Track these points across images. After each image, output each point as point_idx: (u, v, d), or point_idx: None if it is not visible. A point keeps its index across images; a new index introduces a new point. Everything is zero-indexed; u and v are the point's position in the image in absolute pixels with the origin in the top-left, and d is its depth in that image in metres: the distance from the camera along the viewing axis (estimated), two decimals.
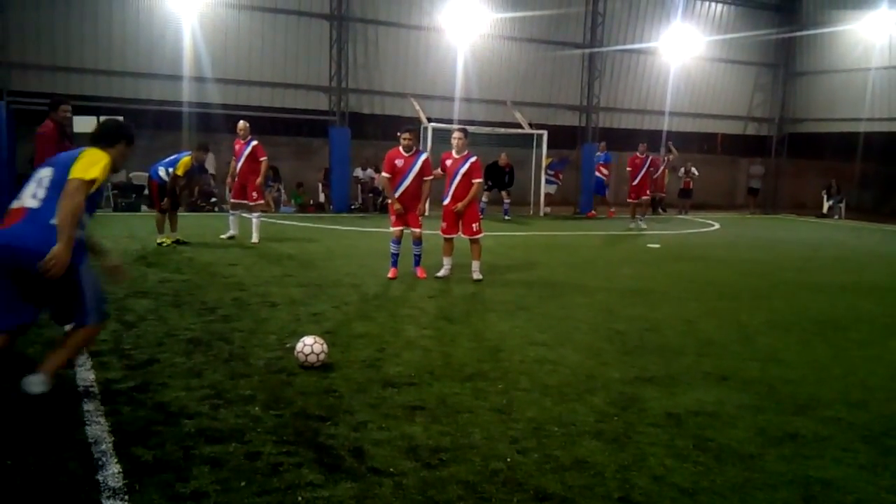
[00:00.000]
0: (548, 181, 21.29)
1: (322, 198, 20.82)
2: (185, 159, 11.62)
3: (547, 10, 22.60)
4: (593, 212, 21.48)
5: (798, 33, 26.44)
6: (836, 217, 24.38)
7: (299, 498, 3.46)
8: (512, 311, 7.78)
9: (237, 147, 12.56)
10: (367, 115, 21.23)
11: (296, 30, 20.48)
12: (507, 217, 19.04)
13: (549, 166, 21.15)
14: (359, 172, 20.64)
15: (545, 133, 20.76)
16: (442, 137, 20.33)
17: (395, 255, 9.59)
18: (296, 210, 19.56)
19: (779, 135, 27.76)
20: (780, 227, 20.68)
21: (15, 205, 4.38)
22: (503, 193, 19.16)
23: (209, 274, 9.33)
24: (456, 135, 9.71)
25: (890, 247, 16.51)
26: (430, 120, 19.70)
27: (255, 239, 12.31)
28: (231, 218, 12.81)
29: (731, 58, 26.37)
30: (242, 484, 3.57)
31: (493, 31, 22.03)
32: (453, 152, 9.60)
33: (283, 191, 20.21)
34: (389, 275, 9.44)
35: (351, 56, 20.78)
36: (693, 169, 24.46)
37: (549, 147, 20.85)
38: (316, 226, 15.92)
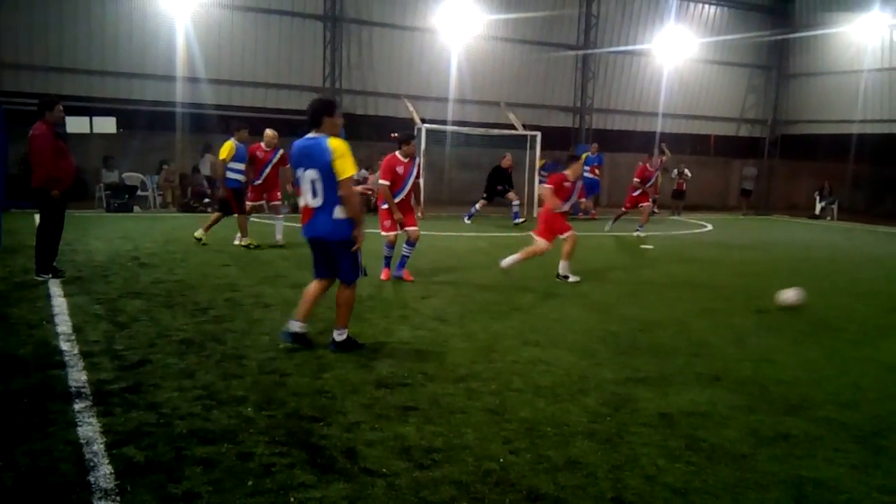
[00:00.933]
0: (590, 180, 21.25)
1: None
2: (227, 143, 11.68)
3: (541, 11, 22.63)
4: (595, 212, 21.44)
5: (791, 35, 26.53)
6: (829, 218, 24.47)
7: (291, 499, 3.45)
8: (506, 312, 7.79)
9: (260, 155, 12.34)
10: (360, 116, 21.23)
11: (289, 30, 20.48)
12: (518, 220, 18.22)
13: (542, 168, 21.18)
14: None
15: (539, 134, 20.78)
16: (436, 139, 20.40)
17: (388, 258, 9.57)
18: (289, 211, 19.51)
19: (771, 136, 27.86)
20: (772, 229, 20.73)
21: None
22: (511, 195, 18.54)
23: (202, 274, 9.30)
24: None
25: (882, 248, 16.57)
26: (423, 121, 19.70)
27: (279, 238, 12.48)
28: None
29: (724, 59, 26.45)
30: (235, 485, 3.56)
31: (486, 32, 22.06)
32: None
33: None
34: (382, 276, 9.42)
35: (345, 57, 20.79)
36: (686, 170, 24.51)
37: (542, 148, 20.86)
38: None
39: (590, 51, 23.70)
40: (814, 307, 8.83)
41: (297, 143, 5.80)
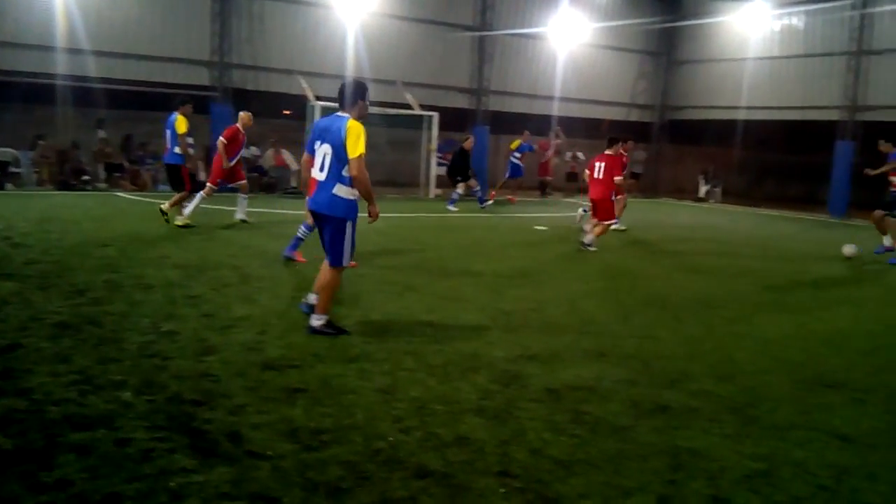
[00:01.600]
0: (513, 165, 21.31)
1: (203, 176, 20.11)
2: (179, 118, 11.56)
3: None
4: (512, 196, 21.47)
5: (679, 23, 27.47)
6: (713, 201, 25.63)
7: (172, 484, 3.34)
8: (400, 292, 7.76)
9: (241, 137, 12.65)
10: (251, 92, 20.58)
11: (175, 1, 19.59)
12: (484, 205, 18.43)
13: (516, 149, 21.28)
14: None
15: (436, 115, 20.78)
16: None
17: (301, 240, 9.25)
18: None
19: (660, 121, 28.82)
20: (660, 211, 21.53)
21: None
22: (473, 181, 18.37)
23: (79, 255, 8.84)
24: None
25: (760, 230, 17.48)
26: (318, 98, 19.34)
27: (242, 216, 12.78)
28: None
29: (617, 45, 27.11)
30: (111, 471, 3.42)
31: (382, 9, 21.79)
32: None
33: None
34: (300, 259, 9.12)
35: (235, 30, 20.07)
36: (579, 154, 25.11)
37: (440, 129, 20.88)
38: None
39: (486, 32, 23.79)
40: (693, 286, 9.23)
41: (324, 118, 6.11)
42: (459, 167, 18.33)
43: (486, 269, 9.45)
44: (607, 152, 11.92)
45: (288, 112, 21.66)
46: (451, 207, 17.66)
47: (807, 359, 6.09)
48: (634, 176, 28.01)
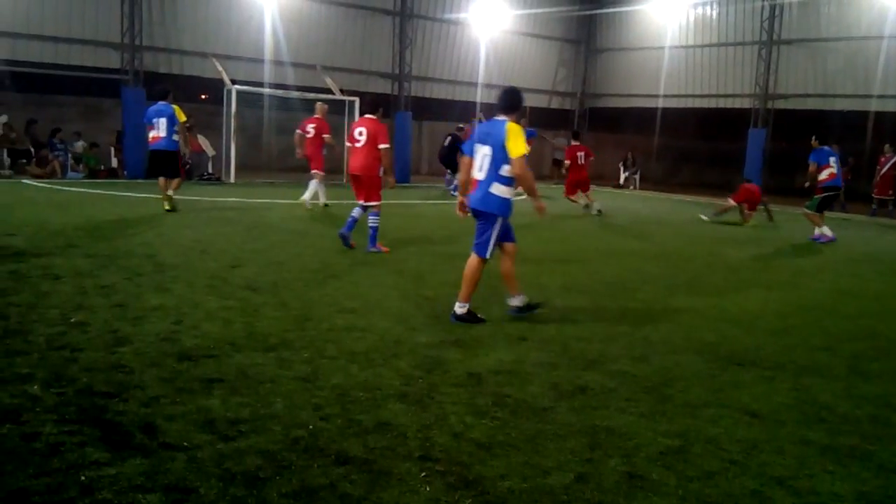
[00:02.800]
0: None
1: (115, 163, 19.45)
2: (177, 107, 12.40)
3: None
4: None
5: (598, 11, 27.94)
6: (632, 188, 26.23)
7: (82, 477, 3.22)
8: (321, 280, 7.67)
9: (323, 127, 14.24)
10: (164, 75, 19.98)
11: None
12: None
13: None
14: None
15: (357, 100, 20.59)
16: (250, 102, 19.64)
17: (355, 219, 9.55)
18: (85, 175, 18.13)
19: (580, 109, 29.31)
20: (580, 197, 21.86)
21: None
22: None
23: None
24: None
25: (676, 215, 17.97)
26: (234, 82, 18.90)
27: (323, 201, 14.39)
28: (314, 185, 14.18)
29: (537, 32, 27.42)
30: (17, 467, 3.28)
31: None
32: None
33: (69, 155, 18.64)
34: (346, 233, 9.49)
35: (145, 11, 19.38)
36: None
37: (360, 115, 20.67)
38: (108, 192, 14.87)
39: (407, 16, 23.68)
40: (611, 270, 9.43)
41: (484, 123, 6.52)
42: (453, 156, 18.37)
43: (409, 255, 9.43)
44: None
45: (205, 96, 21.09)
46: (454, 193, 18.08)
47: (719, 339, 6.28)
48: (556, 162, 28.48)
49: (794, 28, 22.87)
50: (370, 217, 9.53)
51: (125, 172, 18.65)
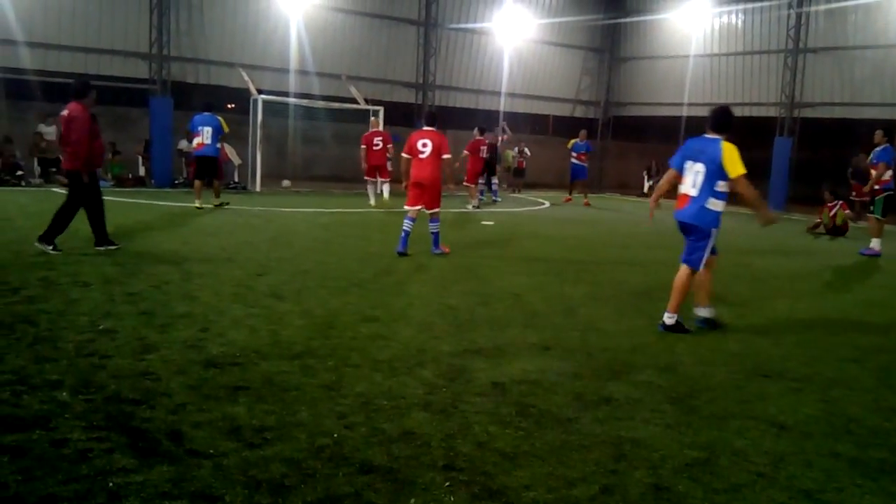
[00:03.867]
0: (574, 166, 21.13)
1: (142, 171, 19.69)
2: (221, 118, 14.56)
3: None
4: (569, 197, 21.80)
5: (622, 20, 27.88)
6: None
7: (110, 484, 3.25)
8: (345, 288, 7.70)
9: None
10: (191, 85, 20.23)
11: None
12: (497, 199, 20.33)
13: (572, 148, 21.07)
14: (183, 144, 19.70)
15: (381, 109, 20.71)
16: (276, 111, 19.80)
17: (408, 233, 10.03)
18: (113, 184, 18.37)
19: (604, 117, 29.22)
20: (604, 206, 21.81)
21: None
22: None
23: (13, 252, 8.57)
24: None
25: None
26: (260, 92, 19.07)
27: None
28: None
29: (561, 41, 27.39)
30: (46, 472, 3.32)
31: (326, 2, 21.58)
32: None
33: None
34: (402, 250, 9.93)
35: (173, 22, 19.64)
36: (526, 149, 25.29)
37: (385, 124, 20.80)
38: (135, 201, 15.06)
39: (431, 26, 23.78)
40: (638, 279, 9.37)
41: (694, 140, 6.78)
42: (487, 162, 19.12)
43: (432, 264, 9.45)
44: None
45: (231, 106, 21.32)
46: (496, 199, 19.99)
47: (745, 349, 6.23)
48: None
49: (821, 36, 22.65)
50: (431, 223, 10.25)
51: (153, 181, 18.87)
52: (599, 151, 29.00)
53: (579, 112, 29.06)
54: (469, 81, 25.29)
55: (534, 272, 9.43)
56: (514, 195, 23.30)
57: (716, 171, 6.38)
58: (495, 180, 20.32)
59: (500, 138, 23.20)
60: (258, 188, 19.08)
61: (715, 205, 6.51)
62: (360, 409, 4.33)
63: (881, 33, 21.15)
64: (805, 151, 23.63)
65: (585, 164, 21.05)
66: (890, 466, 3.95)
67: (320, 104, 20.48)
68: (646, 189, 26.75)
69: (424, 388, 4.76)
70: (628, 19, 27.74)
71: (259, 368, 4.95)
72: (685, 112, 25.83)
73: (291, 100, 20.09)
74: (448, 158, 10.01)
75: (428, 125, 10.16)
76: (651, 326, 6.86)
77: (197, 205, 13.88)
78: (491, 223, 14.82)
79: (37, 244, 8.66)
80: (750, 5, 24.14)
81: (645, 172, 27.22)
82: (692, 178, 6.54)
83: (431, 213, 10.14)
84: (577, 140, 21.07)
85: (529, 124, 27.79)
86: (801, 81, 23.10)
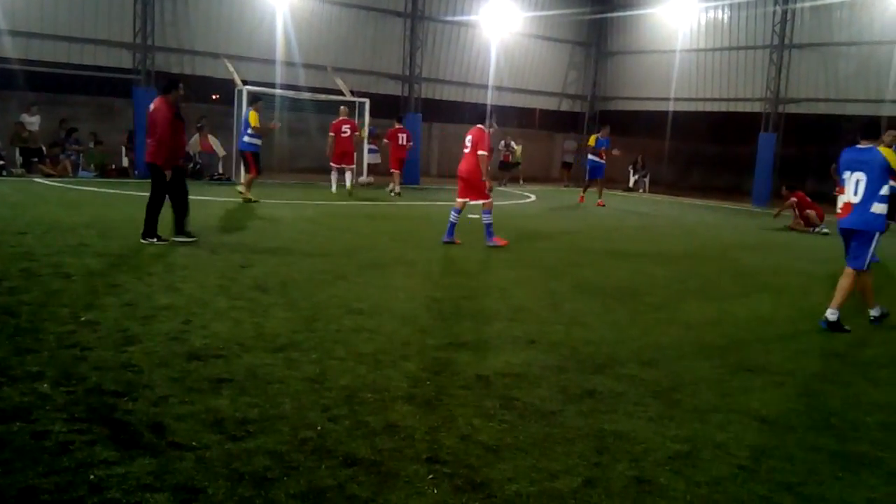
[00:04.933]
0: (591, 164, 19.51)
1: (126, 162, 19.53)
2: (252, 113, 14.58)
3: None
4: (582, 196, 19.93)
5: (608, 14, 27.90)
6: (641, 191, 26.17)
7: (91, 476, 3.23)
8: (330, 281, 7.68)
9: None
10: (176, 75, 20.03)
11: None
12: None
13: (595, 144, 19.40)
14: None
15: (367, 101, 20.63)
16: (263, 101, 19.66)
17: (453, 224, 10.60)
18: (96, 175, 18.21)
19: (591, 111, 29.24)
20: (590, 200, 21.83)
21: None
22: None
23: None
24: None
25: (686, 219, 17.91)
26: (245, 83, 18.96)
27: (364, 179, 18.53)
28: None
29: (548, 35, 27.36)
30: (26, 465, 3.30)
31: None
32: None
33: (82, 155, 18.74)
34: (448, 239, 10.48)
35: (158, 12, 19.45)
36: (512, 143, 25.30)
37: (371, 116, 20.75)
38: (118, 192, 14.97)
39: (417, 18, 23.69)
40: (622, 273, 9.40)
41: (849, 150, 7.08)
42: None
43: (418, 258, 9.43)
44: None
45: (216, 97, 21.18)
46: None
47: (728, 343, 6.26)
48: (566, 165, 28.48)
49: (807, 32, 22.75)
50: (483, 215, 10.62)
51: (136, 172, 18.74)
52: (586, 145, 29.05)
53: (566, 106, 29.07)
54: (456, 74, 25.23)
55: (519, 266, 9.44)
56: (501, 188, 23.29)
57: (880, 177, 6.80)
58: None
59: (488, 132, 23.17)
60: (242, 179, 18.96)
61: (878, 208, 6.85)
62: (343, 401, 4.32)
63: (866, 30, 21.28)
64: (790, 147, 23.76)
65: (604, 162, 19.70)
66: (869, 460, 3.99)
67: (306, 96, 20.37)
68: (631, 183, 26.84)
69: (409, 381, 4.75)
70: (615, 14, 27.76)
71: (242, 361, 4.93)
72: (671, 107, 25.89)
73: (277, 91, 19.97)
74: (483, 155, 10.29)
75: (479, 123, 10.59)
76: (635, 321, 6.89)
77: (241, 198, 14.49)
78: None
79: (142, 241, 9.10)
80: (736, 1, 24.22)
81: (631, 167, 27.30)
82: (853, 187, 6.93)
83: (483, 205, 10.53)
84: (599, 136, 19.56)
85: (516, 118, 27.77)
86: (787, 77, 23.21)
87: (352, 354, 5.22)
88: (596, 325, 6.62)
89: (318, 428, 3.92)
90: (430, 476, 3.47)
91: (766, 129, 23.06)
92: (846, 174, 7.01)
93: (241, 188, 14.88)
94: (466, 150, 10.54)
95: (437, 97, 24.74)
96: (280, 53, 20.82)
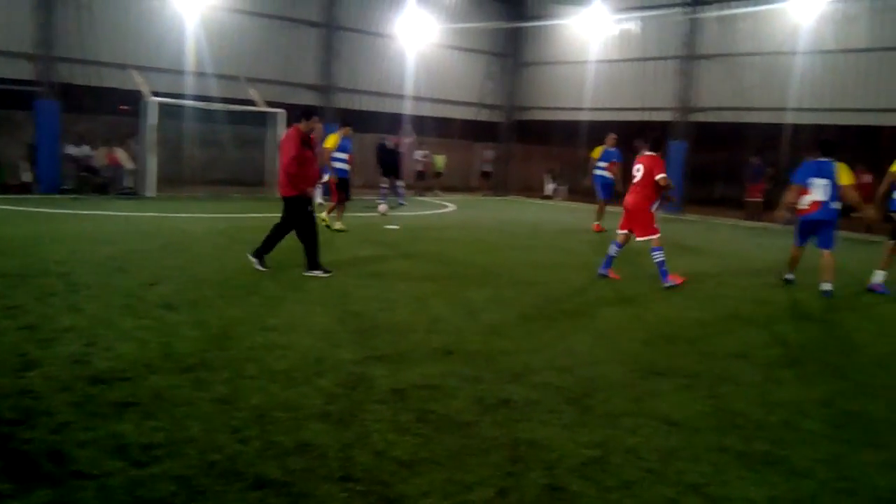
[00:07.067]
0: (601, 180, 16.70)
1: (27, 177, 18.71)
2: (333, 136, 13.78)
3: None
4: (598, 224, 16.39)
5: (523, 24, 28.34)
6: (559, 199, 26.62)
7: None
8: (243, 297, 7.51)
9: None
10: (81, 87, 19.31)
11: None
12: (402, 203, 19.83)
13: (600, 157, 16.66)
14: (71, 149, 18.83)
15: (283, 112, 20.36)
16: (172, 114, 19.18)
17: (610, 257, 9.90)
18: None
19: (508, 121, 29.59)
20: (509, 209, 22.12)
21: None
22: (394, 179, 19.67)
23: None
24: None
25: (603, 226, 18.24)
26: (154, 94, 18.44)
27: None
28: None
29: (464, 46, 27.58)
30: None
31: (223, 3, 21.04)
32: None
33: None
34: (611, 275, 9.81)
35: (61, 21, 18.70)
36: (428, 152, 25.39)
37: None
38: (19, 208, 14.33)
39: (333, 28, 23.51)
40: (538, 281, 9.52)
41: (814, 163, 9.39)
42: (389, 164, 19.40)
43: (335, 270, 9.30)
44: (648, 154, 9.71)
45: (125, 108, 20.51)
46: (401, 202, 19.64)
47: (640, 349, 6.41)
48: (485, 175, 28.76)
49: (713, 43, 23.56)
50: (653, 252, 9.47)
51: (39, 187, 17.97)
52: (504, 155, 29.39)
53: (484, 116, 29.34)
54: (373, 84, 25.14)
55: (437, 277, 9.44)
56: (419, 198, 23.32)
57: (834, 184, 9.15)
58: (400, 183, 20.30)
59: (405, 141, 23.24)
60: (152, 193, 18.44)
61: (835, 206, 9.22)
62: (254, 422, 4.22)
63: (768, 41, 22.18)
64: (700, 154, 24.57)
65: (614, 179, 16.36)
66: (773, 458, 4.13)
67: (218, 106, 19.95)
68: (548, 191, 27.28)
69: (323, 397, 4.68)
70: (530, 24, 28.21)
71: (148, 383, 4.77)
72: (587, 117, 26.43)
73: (188, 102, 19.49)
74: (662, 177, 9.24)
75: (650, 150, 9.57)
76: (551, 328, 6.97)
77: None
78: (395, 227, 14.77)
79: (250, 258, 9.08)
80: (646, 13, 24.94)
81: (547, 175, 27.76)
82: (820, 191, 9.21)
83: (652, 242, 9.45)
84: (606, 146, 16.51)
85: (436, 128, 27.87)
86: (695, 87, 24.01)
87: (264, 372, 5.11)
88: (513, 333, 6.67)
89: (227, 450, 3.82)
90: (344, 494, 3.43)
91: (676, 138, 23.78)
92: (814, 180, 9.21)
93: (326, 217, 13.67)
94: (635, 181, 9.51)
95: (354, 107, 24.59)
96: (191, 64, 20.32)
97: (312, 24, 23.19)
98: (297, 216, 9.02)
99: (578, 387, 5.19)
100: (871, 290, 9.80)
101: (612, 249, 9.82)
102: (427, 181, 25.54)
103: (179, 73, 20.21)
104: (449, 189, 26.67)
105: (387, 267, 9.96)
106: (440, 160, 25.86)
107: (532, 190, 28.45)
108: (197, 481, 3.47)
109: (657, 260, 9.46)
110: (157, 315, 6.54)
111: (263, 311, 6.92)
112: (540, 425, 4.40)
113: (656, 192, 9.44)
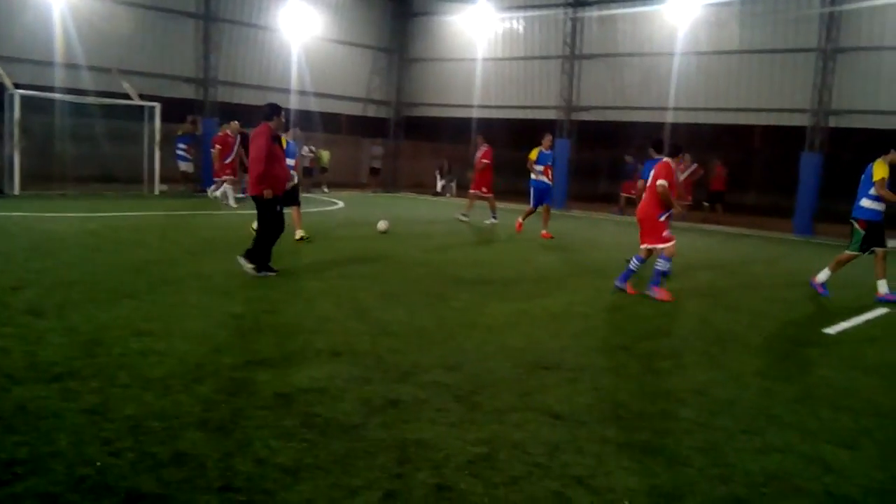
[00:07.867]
0: (537, 186, 15.24)
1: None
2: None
3: None
4: (521, 222, 15.47)
5: (408, 19, 28.34)
6: (449, 195, 26.78)
7: None
8: (115, 301, 7.12)
9: (230, 140, 18.11)
10: None
11: None
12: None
13: (536, 160, 15.07)
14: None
15: (158, 105, 19.56)
16: (38, 107, 18.09)
17: (630, 270, 9.31)
18: None
19: (396, 117, 29.53)
20: (399, 205, 22.05)
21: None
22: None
23: None
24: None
25: (487, 220, 18.46)
26: (18, 86, 17.32)
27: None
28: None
29: (350, 40, 27.31)
30: None
31: None
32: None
33: None
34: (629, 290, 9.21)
35: None
36: (313, 147, 25.01)
37: (163, 121, 19.69)
38: None
39: (211, 19, 22.73)
40: (427, 278, 9.51)
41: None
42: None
43: (215, 271, 8.98)
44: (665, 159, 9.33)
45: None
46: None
47: (527, 343, 6.49)
48: (374, 171, 28.59)
49: (595, 43, 24.26)
50: (658, 259, 9.12)
51: None
52: (393, 151, 29.32)
53: (371, 111, 29.17)
54: (255, 77, 24.50)
55: (325, 276, 9.27)
56: (307, 195, 22.91)
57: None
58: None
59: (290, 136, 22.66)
60: (16, 191, 17.32)
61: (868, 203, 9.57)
62: (127, 433, 3.99)
63: (647, 42, 23.04)
64: (584, 152, 25.28)
65: (551, 183, 15.44)
66: (653, 448, 4.25)
67: (89, 99, 18.94)
68: (439, 188, 27.40)
69: (201, 405, 4.48)
70: (415, 17, 28.23)
71: (11, 395, 4.44)
72: (475, 114, 26.70)
73: (56, 95, 18.40)
74: (661, 184, 8.83)
75: (668, 155, 9.31)
76: (441, 326, 6.96)
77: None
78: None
79: (252, 272, 8.81)
80: (529, 12, 25.42)
81: (437, 172, 27.88)
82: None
83: (663, 251, 9.05)
84: (542, 148, 15.18)
85: (323, 123, 27.46)
86: (578, 86, 24.65)
87: (138, 380, 4.84)
88: (402, 332, 6.61)
89: (98, 464, 3.60)
90: None
91: (560, 136, 24.37)
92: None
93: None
94: (647, 186, 9.24)
95: (234, 101, 23.89)
96: (59, 55, 19.19)
97: (190, 15, 22.39)
98: (266, 214, 8.95)
99: (467, 384, 5.19)
100: (883, 300, 9.53)
101: (633, 264, 9.28)
102: (314, 177, 25.15)
103: (47, 64, 19.05)
104: (337, 186, 26.35)
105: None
106: (325, 155, 25.53)
107: (423, 186, 28.51)
108: (64, 498, 3.26)
109: (658, 268, 9.12)
110: (22, 321, 6.10)
111: (137, 316, 6.58)
112: (428, 424, 4.37)
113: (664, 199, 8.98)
